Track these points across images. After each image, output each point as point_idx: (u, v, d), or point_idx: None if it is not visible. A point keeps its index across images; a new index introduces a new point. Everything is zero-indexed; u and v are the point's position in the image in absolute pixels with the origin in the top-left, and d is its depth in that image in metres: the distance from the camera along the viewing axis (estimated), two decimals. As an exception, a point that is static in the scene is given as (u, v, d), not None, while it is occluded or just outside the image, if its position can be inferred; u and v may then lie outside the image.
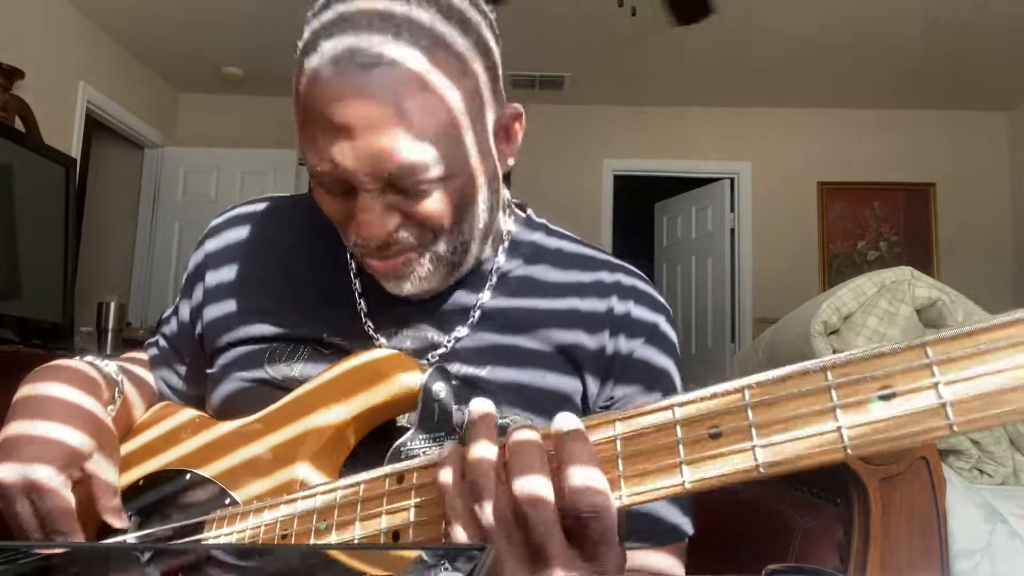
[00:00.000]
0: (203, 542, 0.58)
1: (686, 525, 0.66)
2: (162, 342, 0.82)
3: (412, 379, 0.58)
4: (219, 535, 0.57)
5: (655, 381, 0.69)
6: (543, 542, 0.42)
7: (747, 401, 0.39)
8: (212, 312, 0.74)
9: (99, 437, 0.62)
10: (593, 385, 0.68)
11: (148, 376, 0.81)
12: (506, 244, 0.72)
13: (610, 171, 5.20)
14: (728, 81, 4.76)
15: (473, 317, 0.68)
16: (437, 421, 0.58)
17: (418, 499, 0.48)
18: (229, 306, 0.73)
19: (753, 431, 0.39)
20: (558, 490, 0.42)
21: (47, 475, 0.57)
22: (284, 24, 3.91)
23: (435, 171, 0.56)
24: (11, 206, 3.05)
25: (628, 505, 0.42)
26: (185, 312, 0.78)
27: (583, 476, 0.41)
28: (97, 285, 4.40)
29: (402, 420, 0.63)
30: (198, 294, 0.76)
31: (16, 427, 0.60)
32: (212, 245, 0.77)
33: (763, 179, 5.11)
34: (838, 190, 5.06)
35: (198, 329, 0.75)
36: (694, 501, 0.68)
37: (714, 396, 0.40)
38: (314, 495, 0.53)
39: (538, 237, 0.75)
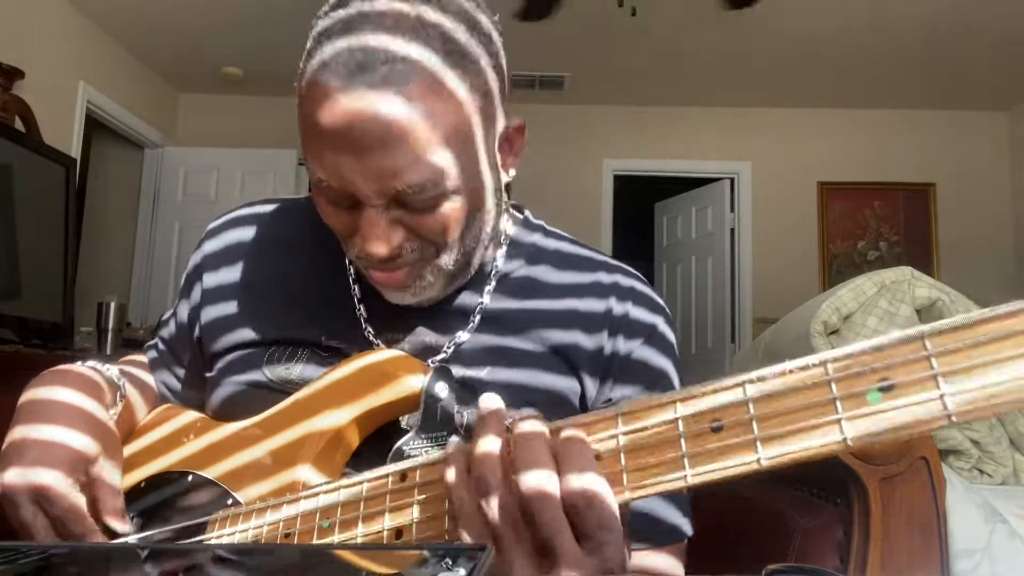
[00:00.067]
0: (205, 542, 0.58)
1: (686, 526, 0.66)
2: (161, 344, 0.82)
3: (417, 380, 0.58)
4: (222, 535, 0.57)
5: (654, 382, 0.69)
6: (551, 537, 0.42)
7: (748, 395, 0.40)
8: (210, 314, 0.73)
9: (103, 440, 0.62)
10: (591, 386, 0.68)
11: (149, 379, 0.81)
12: (505, 246, 0.72)
13: (610, 171, 5.19)
14: (728, 81, 4.76)
15: (473, 321, 0.68)
16: (439, 422, 0.58)
17: (421, 496, 0.48)
18: (227, 308, 0.73)
19: (754, 424, 0.39)
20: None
21: (54, 479, 0.57)
22: (284, 24, 3.90)
23: (443, 187, 0.55)
24: (11, 206, 3.05)
25: (630, 499, 0.42)
26: (184, 313, 0.77)
27: (577, 463, 0.42)
28: (97, 285, 4.39)
29: (404, 421, 0.63)
30: (196, 295, 0.76)
31: (21, 432, 0.60)
32: (210, 247, 0.76)
33: (763, 179, 5.11)
34: (838, 190, 5.06)
35: (196, 331, 0.75)
36: (693, 501, 0.68)
37: (715, 390, 0.41)
38: (316, 494, 0.53)
39: (537, 238, 0.74)
